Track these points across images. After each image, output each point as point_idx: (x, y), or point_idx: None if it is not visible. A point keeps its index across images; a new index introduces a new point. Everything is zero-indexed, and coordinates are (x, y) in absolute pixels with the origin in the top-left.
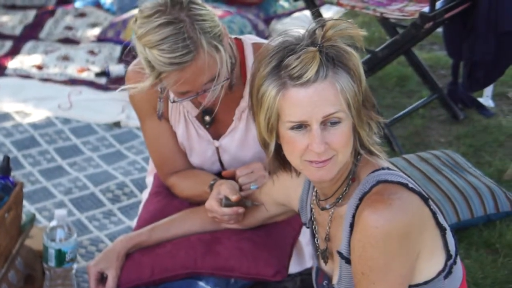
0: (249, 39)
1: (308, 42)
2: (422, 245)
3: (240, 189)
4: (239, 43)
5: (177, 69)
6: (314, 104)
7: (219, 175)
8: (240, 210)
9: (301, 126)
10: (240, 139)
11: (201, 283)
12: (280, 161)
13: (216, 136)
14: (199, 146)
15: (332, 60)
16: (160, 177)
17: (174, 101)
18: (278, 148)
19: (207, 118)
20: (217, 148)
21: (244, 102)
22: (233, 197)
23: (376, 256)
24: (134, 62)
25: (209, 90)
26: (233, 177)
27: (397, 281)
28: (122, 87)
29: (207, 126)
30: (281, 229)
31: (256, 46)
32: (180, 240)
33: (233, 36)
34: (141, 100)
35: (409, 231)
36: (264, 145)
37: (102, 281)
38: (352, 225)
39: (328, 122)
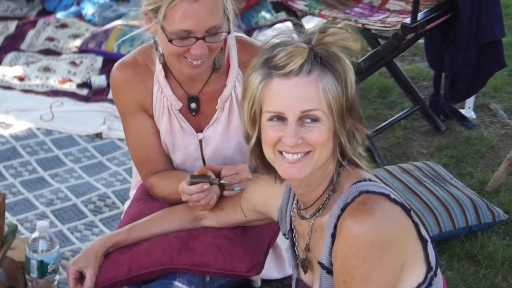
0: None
1: (302, 40)
2: (405, 256)
3: (224, 189)
4: None
5: None
6: (293, 97)
7: None
8: (205, 185)
9: (279, 118)
10: (223, 130)
11: (177, 283)
12: (264, 163)
13: (199, 130)
14: (182, 141)
15: (320, 59)
16: (141, 177)
17: (170, 40)
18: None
19: (193, 105)
20: (200, 142)
21: (227, 91)
22: (196, 172)
23: (358, 265)
24: (114, 66)
25: (208, 38)
26: (216, 173)
27: None
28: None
29: (194, 114)
30: (258, 229)
31: (237, 39)
32: (157, 238)
33: None
34: (125, 96)
35: (390, 240)
36: (247, 137)
37: (81, 281)
38: (334, 236)
39: (306, 119)
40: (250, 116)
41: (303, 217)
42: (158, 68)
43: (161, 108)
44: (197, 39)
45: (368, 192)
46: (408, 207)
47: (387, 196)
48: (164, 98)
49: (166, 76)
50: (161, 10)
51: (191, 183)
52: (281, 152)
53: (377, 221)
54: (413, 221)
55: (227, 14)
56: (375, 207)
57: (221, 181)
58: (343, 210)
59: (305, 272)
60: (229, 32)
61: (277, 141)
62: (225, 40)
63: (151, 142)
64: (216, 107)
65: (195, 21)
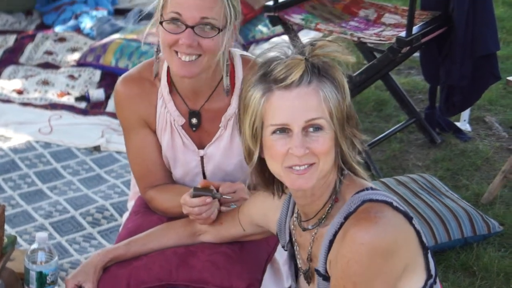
0: (237, 51)
1: (296, 52)
2: (407, 262)
3: (221, 205)
4: (228, 54)
5: None
6: (297, 108)
7: None
8: (208, 199)
9: (283, 130)
10: (225, 147)
11: None
12: (263, 179)
13: (201, 147)
14: (183, 156)
15: (317, 69)
16: (139, 190)
17: (161, 22)
18: (263, 165)
19: (194, 120)
20: (201, 158)
21: (231, 110)
22: (199, 184)
23: (360, 272)
24: (119, 81)
25: (197, 29)
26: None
27: None
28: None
29: (194, 130)
30: (256, 245)
31: (243, 58)
32: (155, 254)
33: None
34: (129, 110)
35: (393, 248)
36: (249, 155)
37: None
38: (331, 242)
39: (310, 128)
40: (252, 132)
41: (305, 229)
42: (163, 83)
43: (164, 123)
44: (187, 27)
45: (371, 200)
46: (411, 214)
47: (390, 204)
48: (168, 114)
49: (170, 92)
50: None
51: (194, 196)
52: (289, 167)
53: (381, 229)
54: (415, 229)
55: (226, 17)
56: (379, 216)
57: (224, 196)
58: (346, 218)
59: (309, 283)
60: (220, 30)
61: (285, 155)
62: (232, 61)
63: (152, 156)
64: (220, 125)
65: (187, 5)
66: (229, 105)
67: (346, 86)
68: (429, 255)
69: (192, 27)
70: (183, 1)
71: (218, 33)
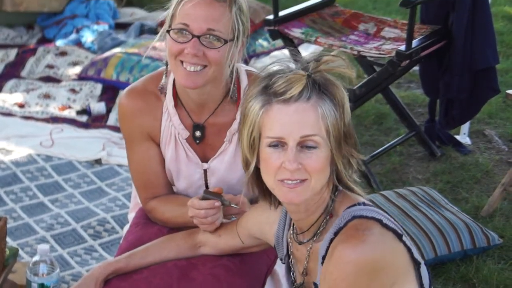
0: (242, 66)
1: (299, 68)
2: (396, 278)
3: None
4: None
5: None
6: (293, 123)
7: None
8: (216, 203)
9: (278, 143)
10: (229, 162)
11: None
12: (261, 189)
13: (205, 160)
14: (187, 169)
15: (318, 86)
16: (140, 201)
17: (168, 30)
18: (260, 174)
19: (198, 133)
20: (204, 171)
21: (236, 124)
22: (212, 189)
23: None
24: (123, 93)
25: (203, 39)
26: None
27: None
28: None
29: (197, 142)
30: (256, 258)
31: (249, 73)
32: (156, 266)
33: None
34: (132, 124)
35: (381, 267)
36: (246, 164)
37: None
38: (324, 257)
39: (305, 145)
40: (250, 142)
41: (300, 242)
42: (168, 97)
43: (168, 137)
44: (193, 36)
45: (361, 217)
46: (400, 231)
47: (380, 221)
48: (172, 127)
49: (176, 105)
50: (170, 9)
51: (203, 198)
52: (280, 180)
53: (369, 248)
54: (406, 246)
55: (234, 31)
56: (367, 234)
57: (232, 205)
58: (336, 234)
59: None
60: (226, 42)
61: (279, 168)
62: (238, 76)
63: (154, 168)
64: (225, 140)
65: (195, 16)
66: (234, 120)
67: (347, 105)
68: (422, 269)
69: (198, 37)
70: (191, 12)
71: (224, 44)
